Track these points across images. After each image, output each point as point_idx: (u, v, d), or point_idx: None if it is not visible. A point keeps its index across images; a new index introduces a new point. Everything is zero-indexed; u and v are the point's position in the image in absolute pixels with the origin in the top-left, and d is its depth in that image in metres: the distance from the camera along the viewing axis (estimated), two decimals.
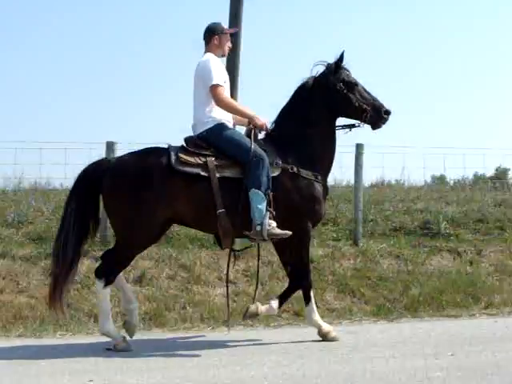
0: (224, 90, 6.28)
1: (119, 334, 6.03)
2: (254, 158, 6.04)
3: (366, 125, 6.47)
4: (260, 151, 6.11)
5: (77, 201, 6.12)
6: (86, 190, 6.14)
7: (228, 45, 6.57)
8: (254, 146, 6.11)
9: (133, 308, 6.16)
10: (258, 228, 5.97)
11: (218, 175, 6.01)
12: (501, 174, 17.40)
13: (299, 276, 6.34)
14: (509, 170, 17.31)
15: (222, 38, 6.47)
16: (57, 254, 6.06)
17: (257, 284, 6.64)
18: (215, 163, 6.05)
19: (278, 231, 6.02)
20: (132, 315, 6.15)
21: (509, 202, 11.03)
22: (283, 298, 6.42)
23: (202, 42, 6.51)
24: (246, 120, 6.41)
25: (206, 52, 6.46)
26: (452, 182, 15.90)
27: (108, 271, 5.98)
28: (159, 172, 5.96)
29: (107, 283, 5.93)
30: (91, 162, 6.37)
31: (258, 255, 6.67)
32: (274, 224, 6.01)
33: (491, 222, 10.05)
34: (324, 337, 6.23)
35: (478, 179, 16.20)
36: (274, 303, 6.32)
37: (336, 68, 6.42)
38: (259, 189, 5.96)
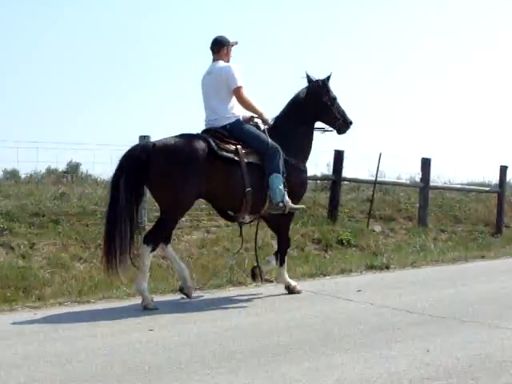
0: (245, 91, 7.58)
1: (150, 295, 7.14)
2: (271, 148, 7.48)
3: (334, 130, 8.37)
4: (275, 143, 7.53)
5: (127, 175, 6.91)
6: (135, 165, 6.95)
7: (232, 55, 7.78)
8: (269, 139, 7.53)
9: (185, 274, 7.45)
10: (281, 205, 7.46)
11: (245, 160, 7.32)
12: (72, 168, 17.76)
13: (282, 243, 8.08)
14: (81, 164, 17.72)
15: (229, 48, 7.76)
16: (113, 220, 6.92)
17: (256, 250, 8.19)
18: (243, 150, 7.34)
19: (295, 206, 7.76)
20: (186, 279, 7.44)
21: (67, 196, 11.30)
22: (277, 255, 8.09)
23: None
24: (249, 117, 7.81)
25: (215, 60, 7.71)
26: (24, 175, 15.76)
27: (154, 238, 7.09)
28: (204, 155, 7.09)
29: (153, 249, 7.09)
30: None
31: (257, 225, 8.29)
32: (290, 201, 7.55)
33: (47, 215, 10.14)
34: (291, 291, 7.94)
35: (51, 173, 16.33)
36: (272, 259, 8.13)
37: (324, 84, 8.16)
38: (279, 173, 7.39)
